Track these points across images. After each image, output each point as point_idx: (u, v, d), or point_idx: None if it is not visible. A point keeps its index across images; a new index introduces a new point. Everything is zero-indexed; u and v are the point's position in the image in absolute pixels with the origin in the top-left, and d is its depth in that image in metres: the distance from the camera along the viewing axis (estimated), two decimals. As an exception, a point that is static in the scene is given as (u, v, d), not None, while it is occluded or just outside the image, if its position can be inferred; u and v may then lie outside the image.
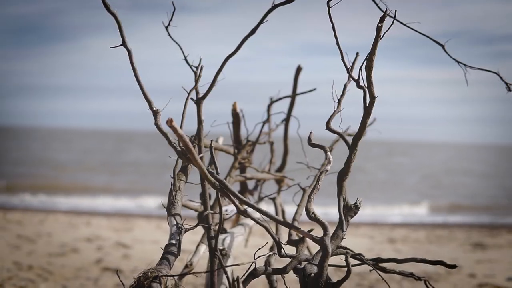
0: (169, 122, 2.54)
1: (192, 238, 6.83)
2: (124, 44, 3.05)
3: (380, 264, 3.15)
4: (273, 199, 4.50)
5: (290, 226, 2.86)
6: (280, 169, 4.87)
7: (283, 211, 4.55)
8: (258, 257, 2.78)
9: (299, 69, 4.68)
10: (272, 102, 4.76)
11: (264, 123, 4.57)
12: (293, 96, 4.73)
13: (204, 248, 3.70)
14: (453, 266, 3.02)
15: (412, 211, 23.75)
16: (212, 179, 2.84)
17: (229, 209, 3.83)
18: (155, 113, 2.96)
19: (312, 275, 2.79)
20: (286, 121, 4.83)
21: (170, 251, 2.80)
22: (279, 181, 4.78)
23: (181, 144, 3.02)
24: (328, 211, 17.23)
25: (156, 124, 2.96)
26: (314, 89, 4.65)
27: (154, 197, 24.53)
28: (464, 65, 3.10)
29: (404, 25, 2.98)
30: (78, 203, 23.48)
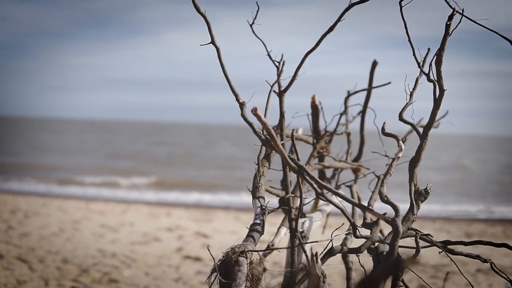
0: (254, 111, 2.80)
1: (269, 230, 7.09)
2: (212, 42, 3.32)
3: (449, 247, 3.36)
4: (350, 187, 4.72)
5: (365, 208, 3.09)
6: (357, 159, 5.08)
7: (359, 198, 4.76)
8: (336, 235, 3.03)
9: (374, 64, 4.89)
10: (349, 95, 4.98)
11: (341, 114, 4.77)
12: (369, 89, 4.94)
13: (284, 231, 3.94)
14: (517, 249, 3.22)
15: (496, 207, 23.50)
16: (293, 164, 3.10)
17: (308, 196, 4.07)
18: (241, 105, 3.22)
19: (384, 253, 3.03)
20: (363, 113, 5.03)
21: (255, 229, 3.08)
22: (356, 171, 5.00)
23: (265, 133, 3.28)
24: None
25: (243, 115, 3.22)
26: (389, 83, 4.84)
27: (232, 191, 24.95)
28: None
29: (473, 21, 3.15)
30: (159, 195, 24.06)
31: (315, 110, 4.67)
